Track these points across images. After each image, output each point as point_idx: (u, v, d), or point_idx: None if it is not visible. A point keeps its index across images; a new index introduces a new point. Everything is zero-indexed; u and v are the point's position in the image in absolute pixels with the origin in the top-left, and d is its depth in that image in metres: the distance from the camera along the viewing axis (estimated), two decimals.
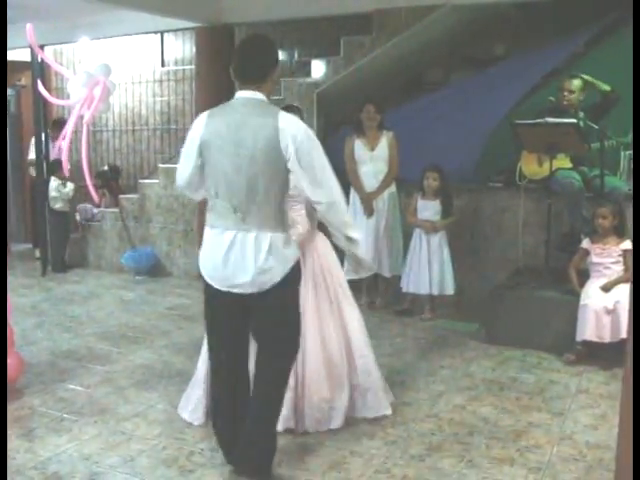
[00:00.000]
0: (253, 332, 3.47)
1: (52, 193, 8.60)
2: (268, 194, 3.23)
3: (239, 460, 3.49)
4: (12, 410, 4.30)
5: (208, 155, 3.28)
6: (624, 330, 4.80)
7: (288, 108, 4.06)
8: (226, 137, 3.22)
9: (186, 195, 3.59)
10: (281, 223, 3.31)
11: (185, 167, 3.41)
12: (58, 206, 8.64)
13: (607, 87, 5.94)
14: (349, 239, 3.49)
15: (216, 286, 3.36)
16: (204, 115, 3.36)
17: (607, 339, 5.04)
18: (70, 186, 8.62)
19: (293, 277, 3.38)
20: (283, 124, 3.19)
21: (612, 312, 5.02)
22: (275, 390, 3.46)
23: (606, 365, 5.08)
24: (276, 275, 3.27)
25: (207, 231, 3.41)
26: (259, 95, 3.30)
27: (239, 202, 3.23)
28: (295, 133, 3.20)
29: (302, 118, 3.87)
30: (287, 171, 3.26)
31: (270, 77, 3.35)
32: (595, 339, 5.08)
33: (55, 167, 8.39)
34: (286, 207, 3.38)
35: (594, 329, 5.07)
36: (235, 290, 3.30)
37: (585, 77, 6.02)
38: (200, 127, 3.31)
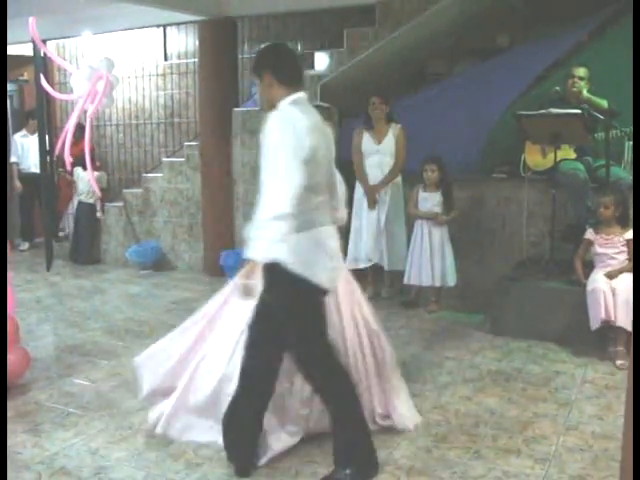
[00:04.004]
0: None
1: (85, 186, 8.75)
2: (333, 193, 3.56)
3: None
4: (18, 405, 4.32)
5: (315, 155, 3.25)
6: (619, 317, 4.89)
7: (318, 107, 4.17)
8: (323, 139, 3.37)
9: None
10: None
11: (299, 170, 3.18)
12: (91, 199, 8.88)
13: (604, 103, 5.94)
14: None
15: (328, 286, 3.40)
16: (298, 112, 3.29)
17: (613, 319, 4.99)
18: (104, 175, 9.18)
19: None
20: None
21: (614, 293, 5.03)
22: None
23: (611, 356, 5.08)
24: None
25: (306, 234, 3.28)
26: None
27: (328, 202, 3.45)
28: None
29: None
30: None
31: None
32: (608, 318, 5.01)
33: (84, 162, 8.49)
34: None
35: (605, 309, 5.02)
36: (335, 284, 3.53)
37: (585, 95, 6.03)
38: (305, 127, 3.23)
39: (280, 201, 3.08)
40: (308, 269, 3.24)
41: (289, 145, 3.15)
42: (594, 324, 5.09)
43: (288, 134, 3.16)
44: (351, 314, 3.88)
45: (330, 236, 3.39)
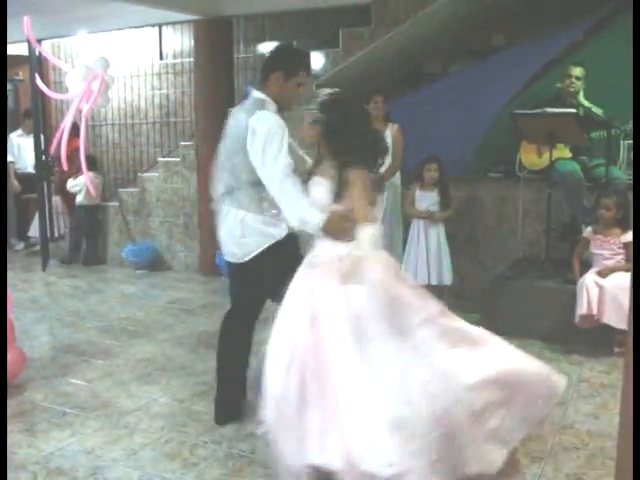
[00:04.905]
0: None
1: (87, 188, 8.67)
2: (242, 179, 3.69)
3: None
4: (14, 405, 4.31)
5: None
6: (605, 313, 4.96)
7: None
8: (226, 130, 3.81)
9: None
10: (257, 205, 3.69)
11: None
12: (85, 201, 8.75)
13: (599, 110, 5.96)
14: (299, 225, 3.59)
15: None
16: None
17: (595, 313, 5.02)
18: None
19: (269, 255, 3.72)
20: (252, 118, 3.58)
21: (601, 289, 5.04)
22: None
23: (607, 354, 5.10)
24: (250, 250, 3.74)
25: None
26: (260, 94, 3.74)
27: (228, 185, 3.76)
28: (255, 127, 3.56)
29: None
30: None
31: (271, 79, 3.70)
32: (589, 312, 5.05)
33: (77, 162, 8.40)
34: (263, 193, 3.63)
35: (588, 304, 5.05)
36: (227, 258, 3.93)
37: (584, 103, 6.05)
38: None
39: None
40: None
41: None
42: (576, 318, 5.14)
43: None
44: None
45: (223, 217, 3.82)
